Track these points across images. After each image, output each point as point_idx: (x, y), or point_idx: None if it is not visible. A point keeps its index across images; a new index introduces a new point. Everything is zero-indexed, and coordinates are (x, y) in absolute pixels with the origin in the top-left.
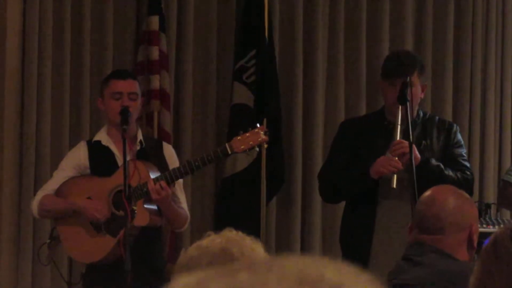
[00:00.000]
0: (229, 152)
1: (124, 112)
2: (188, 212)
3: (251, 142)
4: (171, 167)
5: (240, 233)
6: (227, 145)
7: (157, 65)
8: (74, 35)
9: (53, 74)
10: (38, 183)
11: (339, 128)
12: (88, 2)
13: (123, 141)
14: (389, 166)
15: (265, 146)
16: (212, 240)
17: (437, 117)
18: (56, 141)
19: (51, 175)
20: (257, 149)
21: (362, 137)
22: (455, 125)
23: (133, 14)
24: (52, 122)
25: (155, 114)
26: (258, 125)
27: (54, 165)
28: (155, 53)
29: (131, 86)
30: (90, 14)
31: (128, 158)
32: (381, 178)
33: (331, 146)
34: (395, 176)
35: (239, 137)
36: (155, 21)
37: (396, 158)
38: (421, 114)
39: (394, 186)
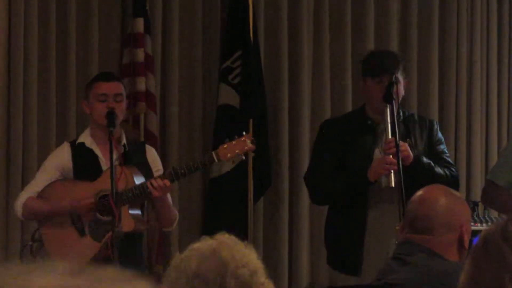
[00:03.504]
0: (215, 161)
1: (110, 115)
2: (176, 211)
3: (237, 151)
4: (153, 170)
5: (233, 237)
6: (213, 153)
7: (143, 67)
8: (59, 38)
9: (39, 77)
10: (25, 185)
11: (320, 128)
12: (73, 5)
13: (109, 143)
14: (386, 165)
15: (252, 154)
16: (204, 242)
17: (416, 115)
18: (43, 142)
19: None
20: (243, 157)
21: (346, 137)
22: (435, 122)
23: (118, 17)
24: (38, 124)
25: (141, 116)
26: (244, 133)
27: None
28: (140, 55)
29: (116, 88)
30: (75, 16)
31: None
32: (378, 180)
33: (314, 148)
34: (392, 174)
35: (225, 145)
36: (140, 23)
37: (391, 157)
38: (401, 113)
39: (393, 184)
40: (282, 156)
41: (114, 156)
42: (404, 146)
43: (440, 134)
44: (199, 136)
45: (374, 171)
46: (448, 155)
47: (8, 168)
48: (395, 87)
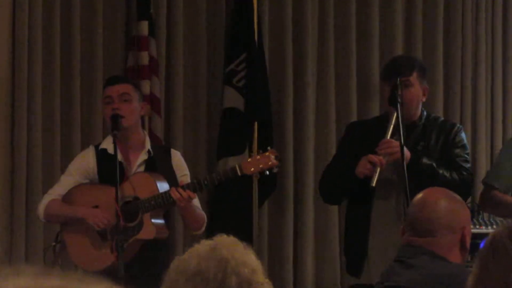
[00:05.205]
0: (239, 174)
1: (114, 118)
2: (204, 213)
3: (261, 166)
4: (178, 175)
5: (232, 237)
6: (237, 166)
7: (147, 70)
8: (64, 41)
9: (43, 80)
10: (29, 188)
11: (345, 130)
12: (77, 8)
13: (114, 146)
14: (368, 164)
15: (275, 170)
16: (203, 243)
17: (441, 118)
18: (47, 147)
19: (43, 180)
20: (267, 172)
21: (367, 139)
22: (457, 125)
23: (123, 20)
24: (42, 127)
25: (146, 119)
26: (269, 148)
27: (46, 170)
28: (145, 58)
29: (121, 88)
30: (79, 19)
31: (135, 167)
32: (366, 177)
33: (337, 148)
34: (377, 174)
35: (249, 159)
36: (144, 26)
37: (380, 157)
38: (425, 115)
39: (373, 184)
40: (287, 159)
41: (139, 162)
42: (397, 147)
43: (460, 137)
44: (204, 139)
45: (358, 168)
46: (463, 158)
47: (12, 171)
48: (399, 90)
